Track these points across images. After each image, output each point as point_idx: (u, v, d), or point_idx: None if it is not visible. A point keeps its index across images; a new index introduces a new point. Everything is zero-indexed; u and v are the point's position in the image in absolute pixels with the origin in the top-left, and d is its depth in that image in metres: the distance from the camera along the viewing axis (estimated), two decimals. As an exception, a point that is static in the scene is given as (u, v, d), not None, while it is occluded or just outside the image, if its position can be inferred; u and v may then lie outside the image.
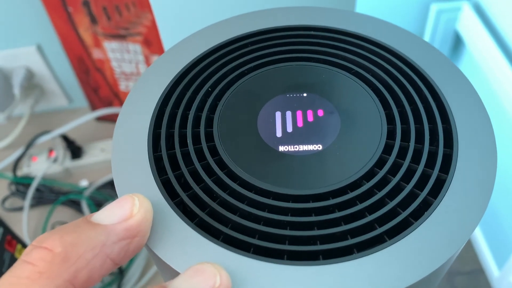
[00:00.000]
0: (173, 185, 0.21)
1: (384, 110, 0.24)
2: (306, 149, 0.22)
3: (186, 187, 0.22)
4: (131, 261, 0.66)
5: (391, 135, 0.23)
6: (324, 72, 0.25)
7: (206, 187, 0.21)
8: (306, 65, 0.25)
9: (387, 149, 0.22)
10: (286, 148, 0.22)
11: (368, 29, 0.27)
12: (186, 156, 0.23)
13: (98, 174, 0.77)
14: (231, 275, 0.18)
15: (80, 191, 0.74)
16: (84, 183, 0.77)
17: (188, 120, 0.24)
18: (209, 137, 0.23)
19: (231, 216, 0.20)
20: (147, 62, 0.73)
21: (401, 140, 0.22)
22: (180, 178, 0.22)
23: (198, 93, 0.25)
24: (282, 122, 0.23)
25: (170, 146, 0.23)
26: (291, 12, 0.28)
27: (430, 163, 0.22)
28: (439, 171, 0.21)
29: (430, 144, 0.22)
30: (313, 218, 0.20)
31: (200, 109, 0.24)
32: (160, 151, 0.23)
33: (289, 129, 0.23)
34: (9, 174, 0.75)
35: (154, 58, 0.72)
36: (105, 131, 0.82)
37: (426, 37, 1.01)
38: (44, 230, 0.70)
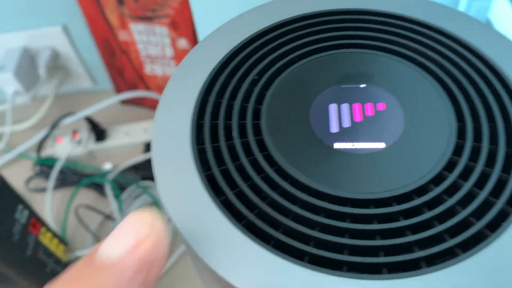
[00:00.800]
0: (217, 181, 0.20)
1: (453, 105, 0.21)
2: (366, 147, 0.20)
3: (231, 184, 0.20)
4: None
5: (461, 134, 0.20)
6: (384, 61, 0.23)
7: (253, 185, 0.19)
8: (364, 52, 0.23)
9: (458, 150, 0.20)
10: (342, 145, 0.20)
11: (431, 14, 0.24)
12: (231, 150, 0.21)
13: (122, 158, 0.75)
14: (285, 287, 0.16)
15: (104, 174, 0.73)
16: (107, 166, 0.76)
17: (233, 111, 0.22)
18: (257, 130, 0.21)
19: (283, 219, 0.18)
20: (174, 45, 0.71)
21: (473, 141, 0.20)
22: (224, 174, 0.20)
23: (244, 82, 0.23)
24: (338, 115, 0.21)
25: (213, 138, 0.21)
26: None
27: (507, 168, 0.19)
28: (517, 177, 0.19)
29: (506, 145, 0.20)
30: (375, 226, 0.18)
31: (246, 99, 0.22)
32: (203, 144, 0.21)
33: (346, 124, 0.21)
34: (33, 155, 0.75)
35: (181, 41, 0.70)
36: (129, 114, 0.81)
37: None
38: (67, 213, 0.70)
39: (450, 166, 0.19)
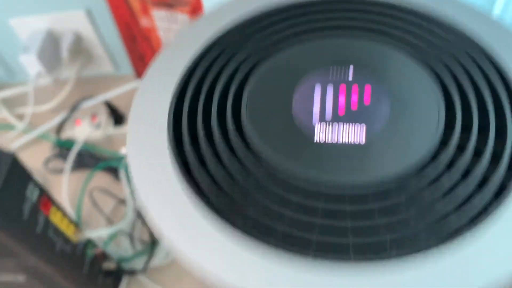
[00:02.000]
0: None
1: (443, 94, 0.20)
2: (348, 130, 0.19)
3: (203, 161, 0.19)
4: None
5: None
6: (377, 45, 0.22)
7: (225, 166, 0.19)
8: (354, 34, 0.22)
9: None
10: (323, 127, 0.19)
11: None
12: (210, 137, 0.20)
13: (138, 143, 0.76)
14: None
15: (119, 159, 0.74)
16: (124, 150, 0.77)
17: (215, 93, 0.21)
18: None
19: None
20: (193, 32, 0.71)
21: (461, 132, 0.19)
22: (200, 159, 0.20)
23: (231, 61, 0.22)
24: (322, 97, 0.20)
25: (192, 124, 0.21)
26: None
27: (494, 162, 0.18)
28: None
29: (495, 144, 0.19)
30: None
31: (228, 82, 0.21)
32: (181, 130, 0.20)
33: (329, 107, 0.20)
34: (53, 136, 0.76)
35: (201, 28, 0.70)
36: (148, 100, 0.81)
37: (496, 12, 0.92)
38: (82, 195, 0.71)
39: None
